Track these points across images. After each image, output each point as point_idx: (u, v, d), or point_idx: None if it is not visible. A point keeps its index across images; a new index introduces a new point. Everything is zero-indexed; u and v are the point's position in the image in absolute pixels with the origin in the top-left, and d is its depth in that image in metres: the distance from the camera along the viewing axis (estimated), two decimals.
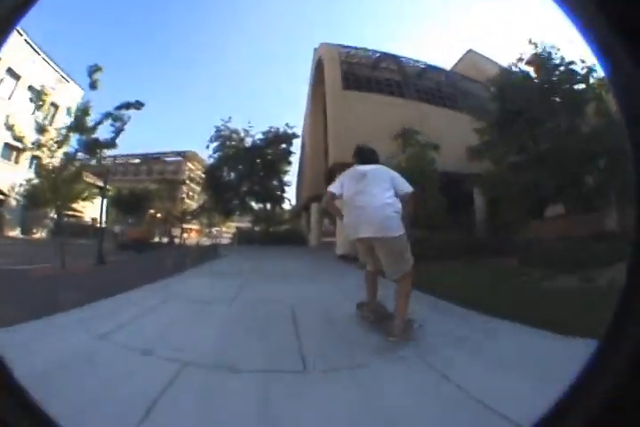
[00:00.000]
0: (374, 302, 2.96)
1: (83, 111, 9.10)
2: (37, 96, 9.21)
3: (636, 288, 0.58)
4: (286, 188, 21.73)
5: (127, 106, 9.46)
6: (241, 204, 21.40)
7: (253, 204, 21.86)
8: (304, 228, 21.56)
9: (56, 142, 8.77)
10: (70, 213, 19.49)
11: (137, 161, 37.95)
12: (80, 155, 9.64)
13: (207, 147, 20.95)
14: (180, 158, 36.68)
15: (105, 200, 12.16)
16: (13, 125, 8.78)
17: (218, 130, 20.79)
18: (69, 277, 7.25)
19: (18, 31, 15.71)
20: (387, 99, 13.58)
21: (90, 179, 23.03)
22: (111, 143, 9.80)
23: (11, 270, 7.41)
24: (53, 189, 9.07)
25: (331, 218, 18.77)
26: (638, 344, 0.57)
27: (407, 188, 2.71)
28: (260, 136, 20.86)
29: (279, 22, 61.97)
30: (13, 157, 16.63)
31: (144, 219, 22.72)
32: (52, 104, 10.05)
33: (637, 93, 0.57)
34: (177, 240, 25.25)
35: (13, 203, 17.19)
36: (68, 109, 9.48)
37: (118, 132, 9.43)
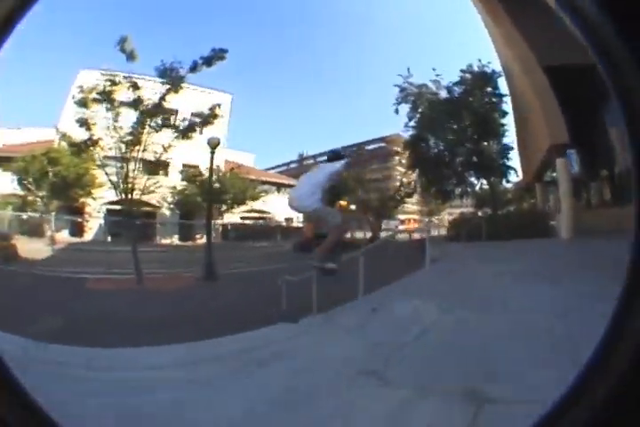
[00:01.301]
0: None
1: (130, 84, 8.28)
2: (81, 91, 8.72)
3: (637, 288, 0.60)
4: (509, 153, 15.72)
5: (208, 61, 8.38)
6: (458, 182, 16.66)
7: (473, 180, 16.62)
8: (541, 208, 14.92)
9: (131, 135, 8.29)
10: (252, 214, 18.61)
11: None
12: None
13: (396, 111, 16.84)
14: (382, 144, 36.08)
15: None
16: (65, 134, 9.01)
17: (401, 89, 16.51)
18: (122, 297, 6.24)
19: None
20: None
21: (275, 178, 22.14)
22: (210, 115, 8.97)
23: (75, 279, 7.06)
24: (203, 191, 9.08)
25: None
26: (639, 344, 0.58)
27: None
28: (453, 85, 15.81)
29: None
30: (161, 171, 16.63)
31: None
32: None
33: (638, 93, 0.57)
34: (382, 235, 20.05)
35: (167, 213, 17.00)
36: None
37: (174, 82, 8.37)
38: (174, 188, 14.52)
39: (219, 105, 9.42)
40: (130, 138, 8.44)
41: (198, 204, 12.11)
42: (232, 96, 15.15)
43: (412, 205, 28.18)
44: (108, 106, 8.34)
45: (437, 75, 15.86)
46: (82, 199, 13.54)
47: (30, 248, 11.54)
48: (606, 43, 0.58)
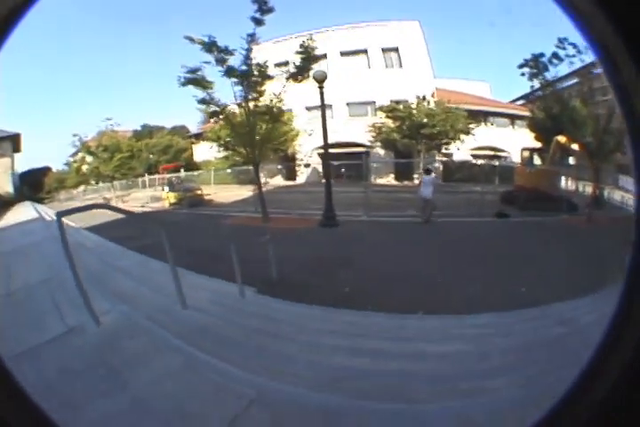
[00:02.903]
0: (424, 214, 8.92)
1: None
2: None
3: (637, 288, 0.60)
4: None
5: (260, 9, 8.44)
6: None
7: None
8: None
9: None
10: (484, 152, 15.50)
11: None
12: None
13: None
14: None
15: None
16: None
17: None
18: (235, 232, 6.83)
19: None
20: None
21: (507, 109, 18.06)
22: (307, 50, 8.88)
23: (222, 216, 8.15)
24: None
25: None
26: (638, 345, 0.58)
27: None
28: None
29: None
30: (370, 111, 16.62)
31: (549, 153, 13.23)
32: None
33: (638, 94, 0.58)
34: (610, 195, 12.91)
35: (381, 152, 16.33)
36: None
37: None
38: (373, 125, 14.18)
39: (310, 36, 9.05)
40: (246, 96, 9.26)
41: (398, 141, 11.70)
42: (418, 22, 14.44)
43: None
44: (200, 88, 9.36)
45: None
46: (289, 149, 14.94)
47: (231, 195, 14.50)
48: (606, 42, 0.58)
